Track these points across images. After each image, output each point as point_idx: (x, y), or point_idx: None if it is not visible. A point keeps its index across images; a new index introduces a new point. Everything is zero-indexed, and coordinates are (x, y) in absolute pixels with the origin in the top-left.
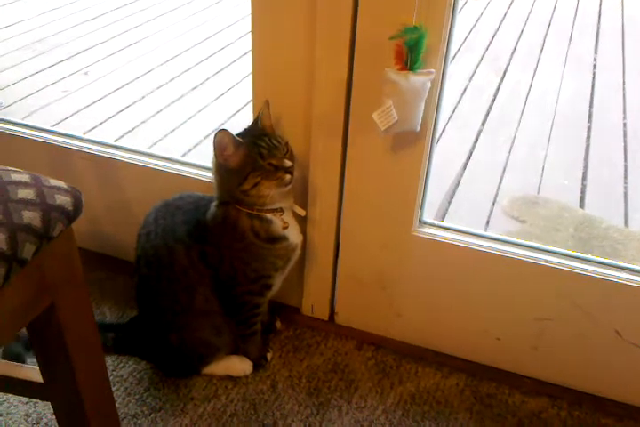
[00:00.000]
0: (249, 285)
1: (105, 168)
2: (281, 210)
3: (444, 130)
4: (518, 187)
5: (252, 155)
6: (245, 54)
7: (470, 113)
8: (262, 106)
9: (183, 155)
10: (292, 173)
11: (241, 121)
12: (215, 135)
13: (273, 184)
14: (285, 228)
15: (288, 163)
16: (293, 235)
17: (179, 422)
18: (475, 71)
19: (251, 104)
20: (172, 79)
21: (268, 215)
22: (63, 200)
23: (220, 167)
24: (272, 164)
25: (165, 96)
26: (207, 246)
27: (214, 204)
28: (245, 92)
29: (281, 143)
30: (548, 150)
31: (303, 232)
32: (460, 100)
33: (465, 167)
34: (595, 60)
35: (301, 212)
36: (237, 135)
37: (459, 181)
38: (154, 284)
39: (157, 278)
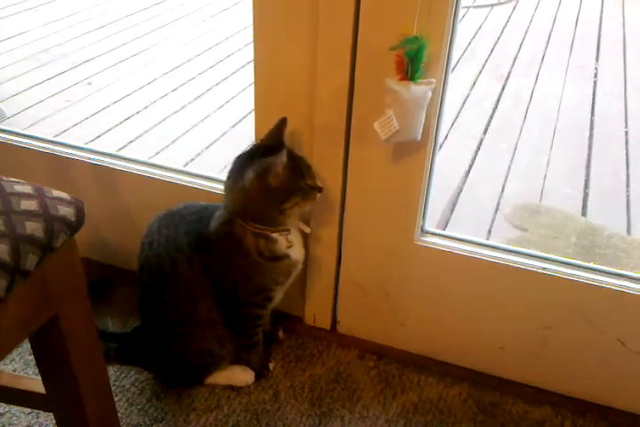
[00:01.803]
0: (250, 297)
1: (107, 178)
2: (287, 230)
3: (445, 138)
4: (520, 195)
5: (295, 175)
6: (247, 64)
7: (472, 121)
8: (279, 123)
9: (185, 165)
10: (321, 193)
11: (243, 131)
12: (278, 156)
13: (307, 204)
14: (289, 247)
15: (320, 183)
16: (296, 252)
17: None
18: (476, 80)
19: (252, 114)
20: (175, 89)
21: (274, 235)
22: (66, 211)
23: (263, 187)
24: (308, 184)
25: (168, 106)
26: (209, 258)
27: (220, 220)
28: (247, 102)
29: (310, 163)
30: (549, 158)
31: (306, 245)
32: (461, 109)
33: (467, 175)
34: (596, 68)
35: (307, 229)
36: (267, 152)
37: (461, 190)
38: (156, 293)
39: (160, 288)
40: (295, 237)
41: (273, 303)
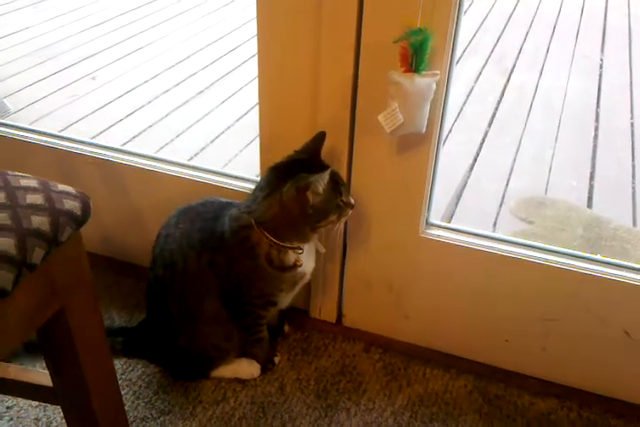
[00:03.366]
0: (252, 298)
1: (112, 172)
2: (300, 248)
3: (450, 131)
4: (525, 188)
5: (334, 193)
6: (251, 58)
7: (476, 114)
8: (316, 138)
9: (190, 159)
10: (352, 209)
11: (247, 125)
12: (320, 174)
13: (341, 221)
14: (299, 266)
15: (352, 200)
16: (305, 264)
17: (188, 426)
18: (480, 72)
19: (257, 108)
20: (179, 83)
21: (288, 249)
22: (72, 205)
23: (300, 204)
24: (343, 201)
25: (172, 100)
26: (218, 256)
27: (239, 222)
28: (251, 95)
29: (343, 178)
30: (555, 151)
31: (317, 258)
32: (466, 102)
33: (472, 168)
34: (601, 59)
35: (322, 249)
36: (305, 167)
37: (465, 183)
38: (166, 286)
39: (170, 282)
40: (310, 250)
41: (277, 307)
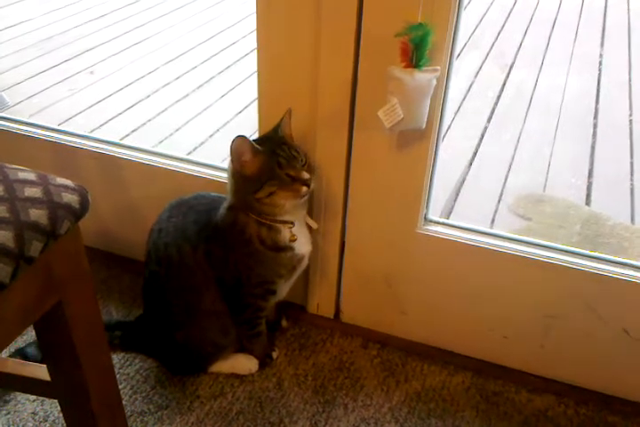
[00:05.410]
0: (252, 288)
1: (110, 167)
2: (292, 223)
3: (449, 127)
4: (524, 184)
5: (270, 163)
6: (250, 53)
7: (476, 110)
8: (284, 114)
9: (188, 153)
10: (308, 186)
11: (246, 120)
12: (233, 141)
13: (288, 195)
14: (293, 241)
15: (306, 175)
16: (301, 245)
17: (185, 420)
18: (480, 68)
19: (256, 103)
20: (178, 78)
21: (277, 225)
22: (70, 198)
23: (236, 173)
24: (289, 174)
25: (171, 95)
26: (213, 246)
27: (224, 206)
28: (250, 90)
29: (300, 154)
30: (553, 148)
31: (313, 241)
32: (465, 98)
33: (470, 165)
34: (601, 56)
35: (314, 224)
36: (256, 142)
37: (464, 179)
38: (162, 281)
39: (166, 276)
40: (301, 232)
41: (276, 297)
